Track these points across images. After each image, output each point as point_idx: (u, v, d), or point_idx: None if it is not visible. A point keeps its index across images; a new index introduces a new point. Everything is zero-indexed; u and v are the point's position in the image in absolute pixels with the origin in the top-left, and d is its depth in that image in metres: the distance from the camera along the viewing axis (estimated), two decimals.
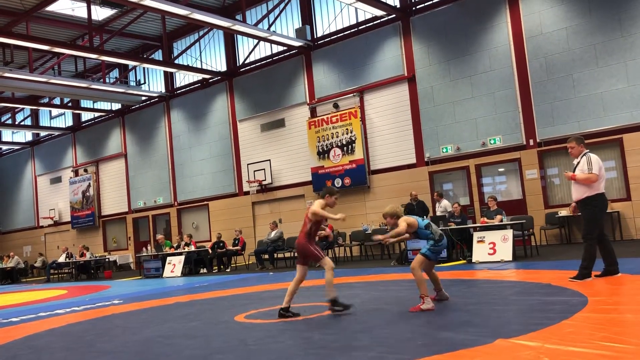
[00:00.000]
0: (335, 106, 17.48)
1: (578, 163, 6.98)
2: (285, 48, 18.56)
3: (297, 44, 17.70)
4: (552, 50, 13.86)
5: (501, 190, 15.06)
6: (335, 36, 17.70)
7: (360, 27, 17.20)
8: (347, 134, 17.03)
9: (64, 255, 21.39)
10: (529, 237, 12.08)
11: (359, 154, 16.79)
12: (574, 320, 4.72)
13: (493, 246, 10.89)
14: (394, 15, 16.23)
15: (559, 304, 5.51)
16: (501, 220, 11.31)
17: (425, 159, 15.82)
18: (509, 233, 10.89)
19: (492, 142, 14.72)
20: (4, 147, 30.91)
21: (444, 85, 15.48)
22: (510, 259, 10.52)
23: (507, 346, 4.03)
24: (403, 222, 6.08)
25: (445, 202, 13.71)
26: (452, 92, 15.35)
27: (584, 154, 6.98)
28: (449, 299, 6.26)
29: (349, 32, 17.43)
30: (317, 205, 6.32)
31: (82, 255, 20.51)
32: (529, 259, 10.71)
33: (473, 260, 11.01)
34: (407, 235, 6.20)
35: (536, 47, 14.07)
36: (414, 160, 16.08)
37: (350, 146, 16.98)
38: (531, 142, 14.21)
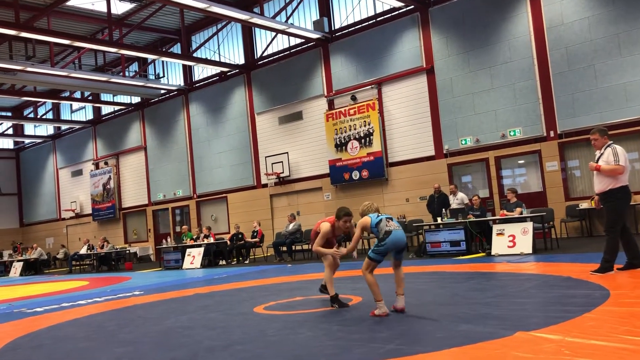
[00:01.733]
0: (353, 98, 17.43)
1: (601, 155, 6.86)
2: (302, 40, 18.53)
3: (314, 36, 17.66)
4: (574, 40, 13.64)
5: (521, 182, 14.91)
6: (353, 28, 17.62)
7: (378, 19, 17.09)
8: (364, 126, 16.97)
9: (85, 247, 21.71)
10: (549, 230, 11.96)
11: (376, 147, 16.73)
12: (595, 313, 4.66)
13: (513, 239, 10.80)
14: (412, 7, 16.09)
15: (580, 297, 5.45)
16: (521, 213, 11.22)
17: (444, 151, 15.71)
18: (528, 225, 10.80)
19: (512, 133, 14.57)
20: (27, 141, 31.40)
21: (463, 76, 15.34)
22: (530, 251, 10.44)
23: (527, 339, 4.00)
24: (358, 229, 5.72)
25: (461, 195, 13.64)
26: (471, 83, 15.21)
27: (608, 145, 6.87)
28: (404, 311, 5.49)
29: (367, 23, 17.33)
30: (322, 230, 6.37)
31: (103, 247, 20.80)
32: (549, 252, 10.61)
33: (492, 253, 10.94)
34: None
35: (557, 37, 13.86)
36: (432, 153, 15.98)
37: (368, 138, 16.93)
38: (552, 133, 14.03)
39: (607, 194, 6.79)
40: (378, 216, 5.64)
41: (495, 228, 11.24)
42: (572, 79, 13.68)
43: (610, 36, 13.15)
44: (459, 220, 11.93)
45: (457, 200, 13.52)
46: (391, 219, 5.65)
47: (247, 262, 16.69)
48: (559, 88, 13.86)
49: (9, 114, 29.58)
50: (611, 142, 6.95)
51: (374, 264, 5.55)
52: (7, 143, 32.40)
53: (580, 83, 13.56)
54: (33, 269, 23.16)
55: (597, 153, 6.99)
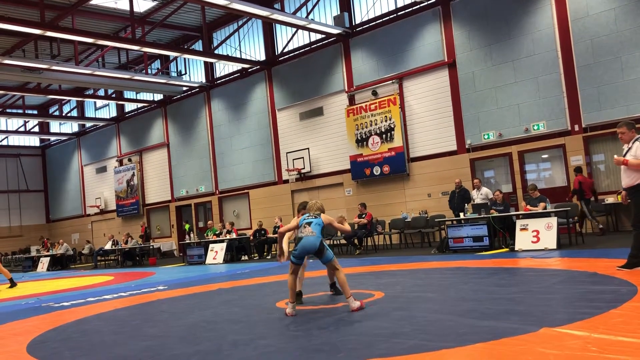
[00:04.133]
0: (374, 93, 17.36)
1: (629, 149, 6.73)
2: (323, 36, 18.50)
3: (335, 31, 17.62)
4: (599, 32, 13.39)
5: (545, 177, 14.71)
6: (374, 23, 17.53)
7: (399, 13, 16.98)
8: (386, 121, 16.90)
9: (110, 243, 22.04)
10: (574, 225, 11.78)
11: (398, 142, 16.65)
12: (622, 309, 4.59)
13: (536, 234, 10.68)
14: (433, 0, 15.96)
15: (607, 293, 5.37)
16: (544, 208, 11.08)
17: (467, 146, 15.57)
18: (553, 221, 10.66)
19: (535, 128, 14.38)
20: (52, 138, 31.97)
21: (486, 70, 15.17)
22: (555, 247, 10.31)
23: (552, 335, 3.96)
24: (287, 226, 6.13)
25: (485, 189, 13.50)
26: (494, 77, 15.04)
27: (636, 139, 6.72)
28: (361, 309, 5.67)
29: (387, 18, 17.23)
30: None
31: (127, 242, 21.09)
32: (574, 247, 10.46)
33: (516, 249, 10.84)
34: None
35: (582, 29, 13.62)
36: (454, 147, 15.85)
37: (389, 134, 16.86)
38: (576, 127, 13.81)
39: (634, 188, 6.66)
40: (305, 219, 5.84)
41: (519, 223, 11.13)
42: (597, 71, 13.44)
43: (637, 27, 12.88)
44: (482, 216, 11.84)
45: (482, 195, 13.38)
46: (310, 223, 5.77)
47: (269, 257, 16.78)
48: (584, 81, 13.62)
49: (35, 112, 30.14)
50: (639, 136, 6.81)
51: (292, 266, 5.85)
52: (34, 140, 33.04)
53: (606, 76, 13.31)
54: (59, 264, 23.58)
55: (625, 147, 6.86)
